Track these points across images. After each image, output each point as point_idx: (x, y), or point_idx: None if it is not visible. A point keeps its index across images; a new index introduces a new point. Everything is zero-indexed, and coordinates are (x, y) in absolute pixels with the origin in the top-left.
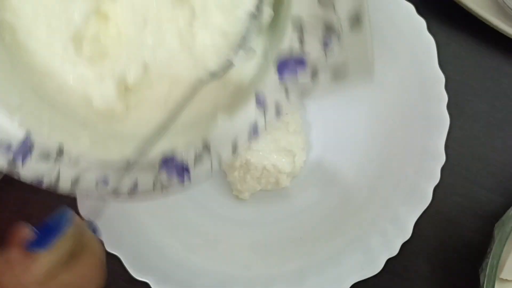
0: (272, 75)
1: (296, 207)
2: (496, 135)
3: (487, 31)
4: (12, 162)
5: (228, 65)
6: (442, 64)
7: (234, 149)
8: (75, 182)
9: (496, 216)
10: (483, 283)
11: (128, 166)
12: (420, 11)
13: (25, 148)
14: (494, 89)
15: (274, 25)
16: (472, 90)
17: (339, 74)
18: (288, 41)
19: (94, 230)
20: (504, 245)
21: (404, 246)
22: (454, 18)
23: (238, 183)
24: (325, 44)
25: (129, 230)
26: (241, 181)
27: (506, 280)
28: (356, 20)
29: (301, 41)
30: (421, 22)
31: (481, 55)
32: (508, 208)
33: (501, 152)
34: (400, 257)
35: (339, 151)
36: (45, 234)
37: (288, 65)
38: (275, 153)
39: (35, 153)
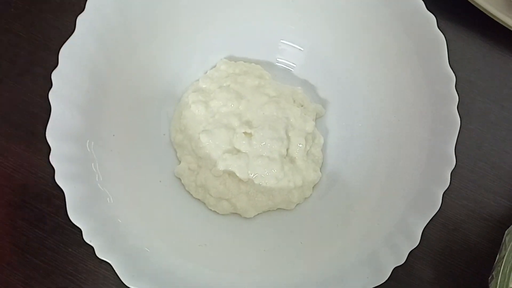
0: None
1: (297, 211)
2: (504, 137)
3: (496, 28)
4: None
5: None
6: (449, 62)
7: None
8: None
9: (505, 221)
10: None
11: None
12: (428, 7)
13: None
14: (502, 88)
15: None
16: (480, 90)
17: None
18: None
19: None
20: None
21: None
22: (462, 15)
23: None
24: None
25: (121, 236)
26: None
27: None
28: None
29: None
30: (431, 18)
31: (489, 53)
32: None
33: (510, 154)
34: (404, 263)
35: (343, 155)
36: None
37: None
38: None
39: None
